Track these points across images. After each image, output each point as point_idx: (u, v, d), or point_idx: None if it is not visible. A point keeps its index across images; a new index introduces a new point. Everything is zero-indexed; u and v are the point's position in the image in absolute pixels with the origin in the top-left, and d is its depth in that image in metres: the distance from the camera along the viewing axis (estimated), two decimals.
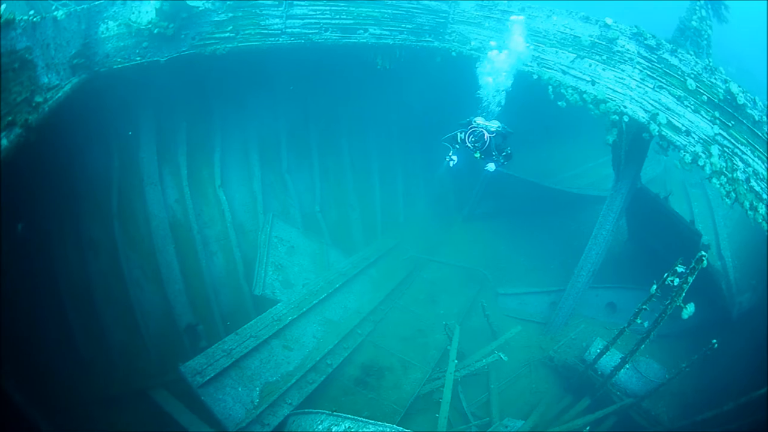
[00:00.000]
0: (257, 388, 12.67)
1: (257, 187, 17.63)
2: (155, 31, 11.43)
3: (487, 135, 12.65)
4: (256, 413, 12.17)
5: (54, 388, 11.07)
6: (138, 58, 11.63)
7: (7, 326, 10.08)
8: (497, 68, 13.66)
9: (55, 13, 9.29)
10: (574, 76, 12.79)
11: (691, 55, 10.93)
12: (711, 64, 10.72)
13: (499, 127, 13.05)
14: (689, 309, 10.43)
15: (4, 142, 7.39)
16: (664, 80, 11.23)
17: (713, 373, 13.41)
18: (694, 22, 11.92)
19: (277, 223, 17.27)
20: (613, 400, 13.52)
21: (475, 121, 13.05)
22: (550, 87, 13.23)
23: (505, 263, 19.55)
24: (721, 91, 10.29)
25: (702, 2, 12.21)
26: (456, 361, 13.78)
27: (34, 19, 8.35)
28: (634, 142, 12.94)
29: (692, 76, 10.76)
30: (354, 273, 17.19)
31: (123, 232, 14.17)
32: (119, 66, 11.41)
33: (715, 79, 10.48)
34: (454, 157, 13.36)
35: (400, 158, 22.07)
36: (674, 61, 11.05)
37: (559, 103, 13.04)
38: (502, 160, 13.09)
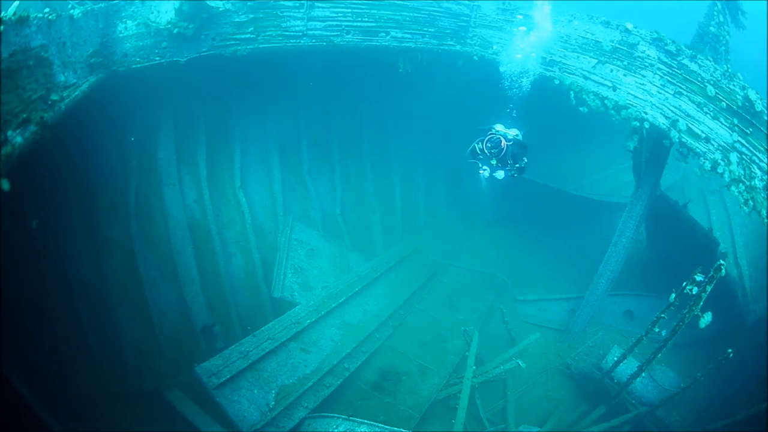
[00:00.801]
0: (273, 391, 12.60)
1: (277, 189, 17.60)
2: (175, 31, 11.43)
3: (504, 142, 12.66)
4: (271, 416, 12.10)
5: (65, 385, 11.09)
6: (157, 58, 11.63)
7: (18, 323, 10.09)
8: (524, 46, 13.65)
9: (72, 11, 9.30)
10: (596, 82, 12.70)
11: (710, 61, 10.84)
12: (729, 70, 10.62)
13: (517, 135, 13.05)
14: (706, 318, 10.36)
15: (19, 139, 7.36)
16: (684, 86, 11.13)
17: (727, 381, 13.29)
18: (712, 28, 11.83)
19: (297, 226, 17.24)
20: (628, 408, 13.44)
21: (494, 128, 13.07)
22: (571, 92, 13.14)
23: (524, 269, 19.49)
24: (740, 97, 10.18)
25: (719, 8, 12.12)
26: (474, 367, 13.71)
27: (50, 17, 8.34)
28: (654, 149, 12.84)
29: (711, 82, 10.65)
30: (374, 277, 17.10)
31: (140, 231, 14.18)
32: (138, 66, 11.41)
33: (733, 85, 10.37)
34: (486, 168, 13.38)
35: (420, 161, 22.02)
36: (694, 67, 10.95)
37: (581, 108, 12.95)
38: (513, 172, 13.11)
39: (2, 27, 6.82)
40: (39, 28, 8.00)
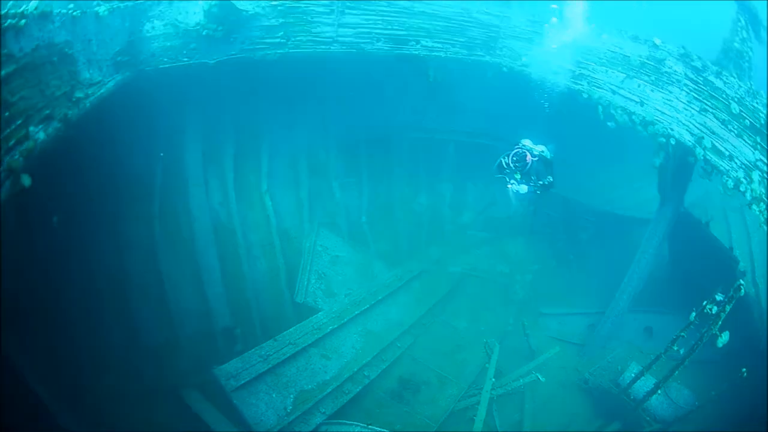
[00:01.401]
0: (291, 396, 12.60)
1: (304, 195, 17.62)
2: (203, 33, 11.47)
3: (529, 157, 12.65)
4: (288, 420, 12.10)
5: (81, 383, 11.11)
6: (185, 60, 11.67)
7: (36, 320, 10.12)
8: (556, 39, 13.60)
9: (97, 8, 9.33)
10: (624, 97, 12.63)
11: (734, 77, 10.76)
12: (753, 87, 10.55)
13: (543, 151, 13.01)
14: (724, 338, 10.33)
15: (41, 135, 7.39)
16: (709, 103, 11.04)
17: (741, 400, 13.17)
18: (736, 44, 11.78)
19: (322, 232, 17.26)
20: (642, 425, 13.30)
21: (521, 143, 13.06)
22: (600, 107, 13.08)
23: (546, 281, 19.34)
24: (763, 115, 10.10)
25: (743, 23, 12.05)
26: (494, 379, 13.64)
27: (74, 13, 8.38)
28: (680, 166, 12.77)
29: (736, 99, 10.57)
30: (397, 285, 17.03)
31: (164, 232, 14.21)
32: (166, 66, 11.45)
33: (756, 103, 10.29)
34: (513, 182, 13.39)
35: (447, 169, 21.93)
36: (719, 83, 10.87)
37: (609, 123, 12.90)
38: (536, 189, 13.10)
39: (24, 21, 6.85)
40: (63, 24, 8.04)
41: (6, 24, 6.49)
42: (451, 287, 18.68)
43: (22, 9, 6.98)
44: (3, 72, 6.52)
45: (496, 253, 20.25)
